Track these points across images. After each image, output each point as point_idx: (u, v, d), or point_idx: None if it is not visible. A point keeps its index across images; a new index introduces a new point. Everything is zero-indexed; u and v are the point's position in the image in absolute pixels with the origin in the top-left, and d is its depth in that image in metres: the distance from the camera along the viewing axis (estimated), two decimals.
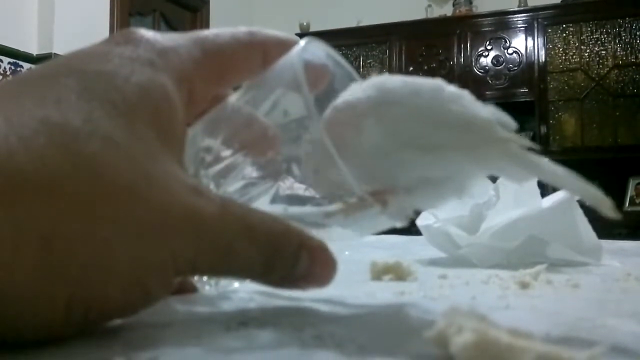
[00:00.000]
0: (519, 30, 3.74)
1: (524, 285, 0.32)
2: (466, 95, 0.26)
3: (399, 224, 0.27)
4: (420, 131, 0.25)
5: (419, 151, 0.25)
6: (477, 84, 3.61)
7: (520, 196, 0.47)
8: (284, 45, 0.26)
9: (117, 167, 0.18)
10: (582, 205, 0.48)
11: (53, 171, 0.17)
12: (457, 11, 3.94)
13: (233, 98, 0.27)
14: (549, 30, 3.67)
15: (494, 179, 0.52)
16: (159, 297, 0.20)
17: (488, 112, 0.26)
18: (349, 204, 0.25)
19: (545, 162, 0.25)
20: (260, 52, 0.26)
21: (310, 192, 0.27)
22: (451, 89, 0.26)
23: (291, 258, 0.22)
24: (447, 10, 4.04)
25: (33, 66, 2.61)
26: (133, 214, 0.18)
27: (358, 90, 0.26)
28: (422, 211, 0.28)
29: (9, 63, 2.76)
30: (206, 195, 0.21)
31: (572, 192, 0.24)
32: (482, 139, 0.25)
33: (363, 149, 0.25)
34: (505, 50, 3.75)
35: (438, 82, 0.26)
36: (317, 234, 0.24)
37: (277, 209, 0.27)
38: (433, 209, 0.48)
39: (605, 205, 0.23)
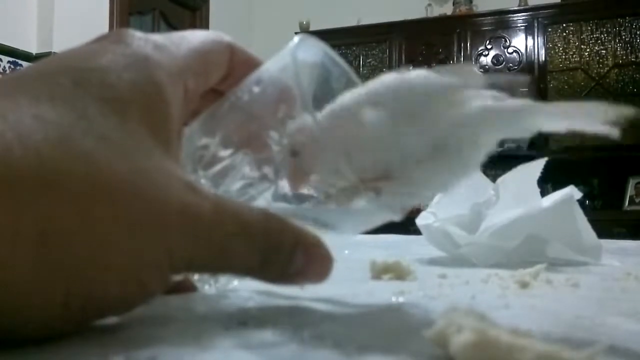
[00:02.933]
0: (519, 30, 3.74)
1: (524, 285, 0.32)
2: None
3: (395, 218, 0.27)
4: (422, 102, 0.25)
5: (422, 123, 0.25)
6: None
7: (519, 195, 0.47)
8: (243, 49, 0.28)
9: (113, 164, 0.18)
10: (582, 204, 0.48)
11: (50, 167, 0.17)
12: (457, 10, 3.94)
13: (229, 97, 0.27)
14: (549, 30, 3.67)
15: (493, 179, 0.52)
16: (156, 293, 0.20)
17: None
18: (342, 191, 0.25)
19: (537, 105, 0.24)
20: (228, 50, 0.27)
21: (308, 191, 0.27)
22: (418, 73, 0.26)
23: (287, 255, 0.22)
24: (447, 9, 4.04)
25: None
26: (129, 210, 0.18)
27: (353, 92, 0.26)
28: (419, 204, 0.28)
29: (8, 62, 2.76)
30: (201, 192, 0.21)
31: (575, 118, 0.23)
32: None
33: (364, 138, 0.25)
34: (505, 50, 3.75)
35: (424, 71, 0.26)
36: (315, 231, 0.24)
37: (276, 207, 0.27)
38: (430, 196, 0.47)
39: (612, 113, 0.22)
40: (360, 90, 0.26)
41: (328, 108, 0.26)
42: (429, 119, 0.25)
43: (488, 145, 0.26)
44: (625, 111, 0.22)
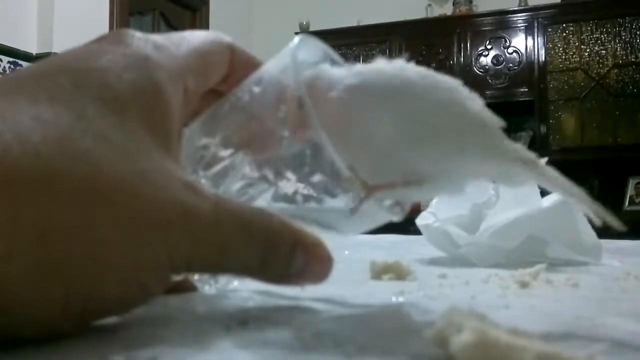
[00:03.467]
0: (519, 30, 3.74)
1: (524, 285, 0.32)
2: (477, 98, 0.27)
3: (395, 218, 0.27)
4: (438, 124, 0.26)
5: (431, 146, 0.25)
6: (477, 84, 3.61)
7: (519, 195, 0.47)
8: (243, 50, 0.28)
9: (112, 163, 0.18)
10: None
11: (48, 167, 0.17)
12: (457, 10, 3.93)
13: (229, 97, 0.27)
14: (549, 30, 3.67)
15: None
16: (156, 293, 0.20)
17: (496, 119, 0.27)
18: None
19: (550, 170, 0.26)
20: (229, 51, 0.27)
21: (309, 191, 0.27)
22: (466, 90, 0.27)
23: (287, 255, 0.22)
24: (447, 9, 4.03)
25: None
26: (128, 210, 0.18)
27: (374, 72, 0.26)
28: (419, 203, 0.29)
29: (8, 62, 2.76)
30: (201, 192, 0.21)
31: (572, 200, 0.25)
32: (494, 141, 0.26)
33: (373, 139, 0.25)
34: (505, 50, 3.75)
35: (455, 81, 0.27)
36: (316, 231, 0.24)
37: (276, 208, 0.27)
38: (429, 201, 0.48)
39: (608, 217, 0.24)
40: (379, 77, 0.26)
41: (351, 77, 0.26)
42: (454, 146, 0.26)
43: (477, 178, 0.27)
44: (608, 218, 0.24)
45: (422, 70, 0.27)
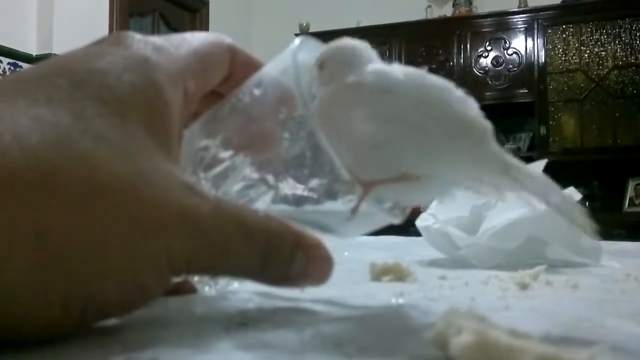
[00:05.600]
0: (519, 31, 3.75)
1: (524, 286, 0.32)
2: (470, 100, 0.26)
3: (395, 220, 0.27)
4: (417, 123, 0.25)
5: (410, 144, 0.25)
6: (476, 85, 3.62)
7: (519, 196, 0.47)
8: (244, 51, 0.28)
9: (111, 164, 0.18)
10: (582, 206, 0.48)
11: (47, 167, 0.17)
12: (457, 12, 3.94)
13: (229, 98, 0.27)
14: (549, 31, 3.68)
15: None
16: (156, 295, 0.20)
17: (486, 122, 0.26)
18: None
19: (534, 177, 0.26)
20: (229, 52, 0.27)
21: (309, 193, 0.27)
22: (459, 92, 0.26)
23: (287, 256, 0.22)
24: (447, 10, 4.04)
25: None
26: (127, 211, 0.18)
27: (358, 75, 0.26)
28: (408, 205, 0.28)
29: (8, 63, 2.76)
30: (201, 194, 0.21)
31: (556, 209, 0.25)
32: (477, 145, 0.26)
33: (353, 138, 0.25)
34: (505, 51, 3.75)
35: (447, 83, 0.26)
36: (315, 232, 0.24)
37: (276, 210, 0.27)
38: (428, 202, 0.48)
39: (588, 229, 0.25)
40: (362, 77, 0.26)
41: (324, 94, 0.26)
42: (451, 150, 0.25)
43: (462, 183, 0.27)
44: (587, 227, 0.25)
45: (411, 71, 0.26)
